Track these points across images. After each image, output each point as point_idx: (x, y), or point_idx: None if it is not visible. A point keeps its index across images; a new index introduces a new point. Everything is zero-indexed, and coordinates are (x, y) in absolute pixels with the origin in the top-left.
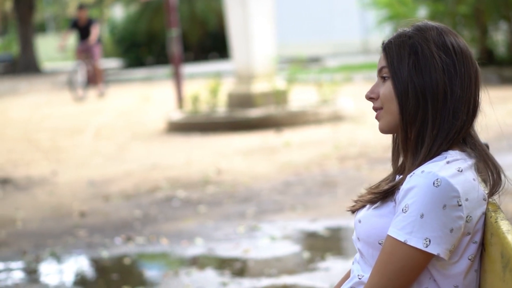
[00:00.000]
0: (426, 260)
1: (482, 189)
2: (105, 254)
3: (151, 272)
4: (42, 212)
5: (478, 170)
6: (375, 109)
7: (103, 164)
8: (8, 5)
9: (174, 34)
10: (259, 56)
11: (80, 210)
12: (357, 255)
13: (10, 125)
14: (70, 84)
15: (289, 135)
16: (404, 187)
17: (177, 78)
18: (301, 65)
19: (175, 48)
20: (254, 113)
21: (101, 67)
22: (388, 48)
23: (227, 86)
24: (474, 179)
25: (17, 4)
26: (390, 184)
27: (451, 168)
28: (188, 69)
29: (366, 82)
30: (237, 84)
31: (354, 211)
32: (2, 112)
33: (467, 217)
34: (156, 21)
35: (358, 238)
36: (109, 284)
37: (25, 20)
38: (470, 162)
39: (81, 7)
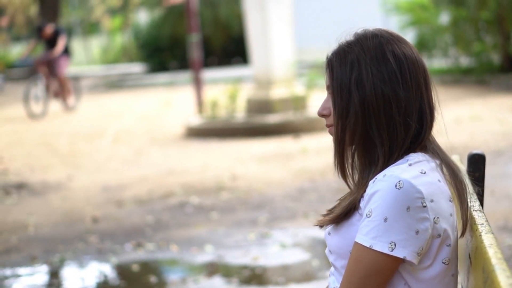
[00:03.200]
0: (394, 264)
1: (448, 190)
2: (114, 260)
3: (158, 280)
4: (55, 217)
5: (443, 172)
6: (327, 126)
7: (119, 169)
8: (33, 10)
9: (194, 39)
10: (278, 62)
11: (92, 215)
12: (332, 268)
13: (30, 129)
14: (25, 99)
15: (307, 141)
16: (367, 192)
17: (197, 83)
18: (321, 70)
19: (195, 53)
20: (273, 119)
21: (67, 79)
22: (331, 65)
23: (247, 92)
24: (439, 180)
25: (42, 9)
26: (351, 198)
27: (414, 170)
28: (211, 74)
29: None
30: (256, 90)
31: (322, 225)
32: (23, 116)
33: (434, 218)
34: (179, 26)
35: (330, 251)
36: None
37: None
38: (433, 163)
39: (39, 29)
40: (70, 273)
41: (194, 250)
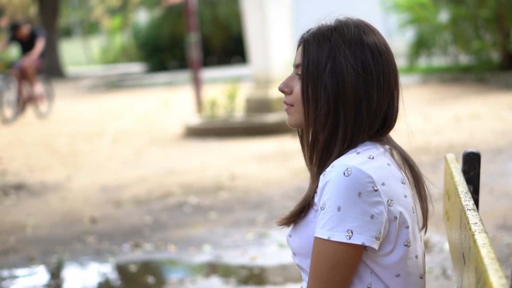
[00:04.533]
0: (355, 253)
1: (399, 173)
2: (112, 261)
3: (156, 280)
4: (53, 218)
5: (392, 156)
6: (286, 103)
7: (118, 169)
8: (33, 10)
9: (193, 38)
10: (277, 61)
11: (91, 216)
12: (301, 271)
13: (30, 129)
14: None
15: None
16: (319, 186)
17: (196, 82)
18: None
19: (194, 52)
20: (272, 118)
21: (33, 70)
22: (307, 47)
23: (246, 91)
24: (389, 164)
25: (42, 9)
26: (304, 195)
27: (362, 156)
28: (211, 73)
29: None
30: (254, 89)
31: (281, 225)
32: (23, 117)
33: (387, 201)
34: (179, 26)
35: (294, 254)
36: None
37: (50, 24)
38: (382, 149)
39: (14, 27)
40: (68, 274)
41: (192, 250)
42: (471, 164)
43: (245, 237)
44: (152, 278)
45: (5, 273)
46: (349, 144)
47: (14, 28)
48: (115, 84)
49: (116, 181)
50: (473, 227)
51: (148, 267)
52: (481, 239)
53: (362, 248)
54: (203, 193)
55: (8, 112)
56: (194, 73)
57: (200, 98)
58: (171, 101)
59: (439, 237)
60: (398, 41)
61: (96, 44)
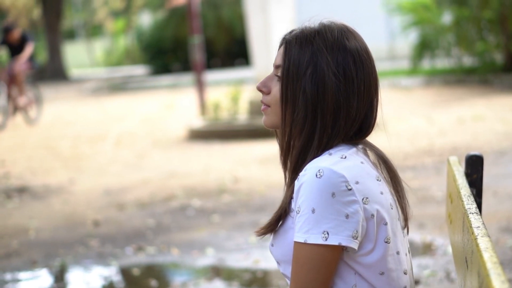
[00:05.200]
0: (333, 254)
1: (374, 170)
2: (114, 264)
3: (159, 283)
4: (56, 221)
5: (366, 155)
6: (263, 103)
7: (121, 172)
8: (36, 13)
9: (196, 41)
10: None
11: (94, 219)
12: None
13: (33, 132)
14: None
15: None
16: (294, 190)
17: (200, 85)
18: None
19: (197, 55)
20: None
21: (22, 77)
22: (289, 48)
23: (249, 93)
24: (362, 162)
25: (45, 12)
26: (281, 203)
27: (334, 157)
28: (214, 75)
29: (391, 88)
30: (258, 91)
31: (262, 235)
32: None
33: (362, 199)
34: (182, 28)
35: (278, 262)
36: None
37: (53, 27)
38: (354, 148)
39: (7, 29)
40: (71, 277)
41: (195, 254)
42: (474, 167)
43: (248, 240)
44: (155, 282)
45: (8, 276)
46: (324, 149)
47: (6, 31)
48: (118, 87)
49: (119, 184)
50: (476, 231)
51: (151, 270)
52: (483, 243)
53: (340, 249)
54: (206, 196)
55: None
56: (197, 76)
57: (203, 100)
58: (174, 103)
59: (442, 240)
60: (402, 43)
61: (99, 46)
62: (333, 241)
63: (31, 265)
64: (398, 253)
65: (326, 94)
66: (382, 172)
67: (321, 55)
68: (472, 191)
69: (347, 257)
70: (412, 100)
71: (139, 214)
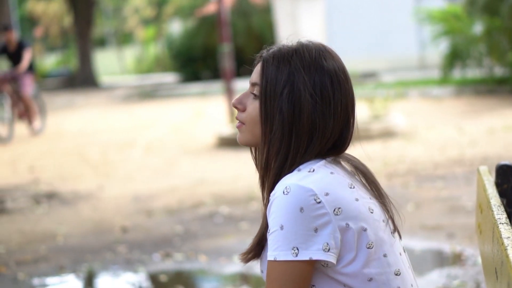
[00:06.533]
0: (305, 268)
1: (346, 178)
2: (142, 270)
3: None
4: (84, 227)
5: (337, 165)
6: (238, 120)
7: (150, 179)
8: (67, 21)
9: (226, 49)
10: None
11: (122, 225)
12: None
13: (63, 139)
14: None
15: None
16: (267, 210)
17: (229, 93)
18: (355, 80)
19: (227, 63)
20: None
21: (32, 99)
22: (266, 67)
23: None
24: (332, 172)
25: (76, 19)
26: (260, 227)
27: (301, 172)
28: (243, 83)
29: (422, 98)
30: None
31: (246, 260)
32: (56, 126)
33: (334, 210)
34: (212, 36)
35: None
36: None
37: (84, 35)
38: (323, 161)
39: (5, 28)
40: (98, 283)
41: (223, 261)
42: (505, 177)
43: None
44: None
45: (36, 281)
46: (297, 167)
47: (5, 30)
48: (148, 94)
49: (148, 191)
50: (506, 242)
51: (179, 277)
52: None
53: (312, 263)
54: (234, 203)
55: (3, 130)
56: (226, 84)
57: (232, 108)
58: (203, 111)
59: (472, 251)
60: (432, 52)
61: (130, 54)
62: (303, 256)
63: (59, 270)
64: (385, 255)
65: (302, 115)
66: (360, 178)
67: (298, 75)
68: (502, 201)
69: (331, 271)
70: (443, 110)
71: (167, 221)
